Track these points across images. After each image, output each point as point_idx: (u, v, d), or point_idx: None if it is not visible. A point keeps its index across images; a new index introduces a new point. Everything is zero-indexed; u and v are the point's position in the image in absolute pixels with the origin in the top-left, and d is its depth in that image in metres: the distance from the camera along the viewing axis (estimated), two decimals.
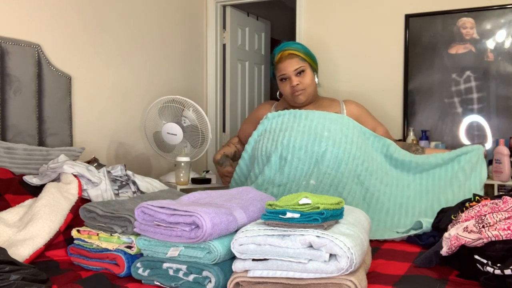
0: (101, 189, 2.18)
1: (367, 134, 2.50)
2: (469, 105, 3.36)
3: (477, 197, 1.82)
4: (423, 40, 3.48)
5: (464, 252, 1.52)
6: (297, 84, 2.49)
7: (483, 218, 1.52)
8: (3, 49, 2.45)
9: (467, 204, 1.79)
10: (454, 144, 3.38)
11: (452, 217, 1.81)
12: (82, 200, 2.05)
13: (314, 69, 2.61)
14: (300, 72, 2.50)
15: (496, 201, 1.59)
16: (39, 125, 2.63)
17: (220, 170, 2.79)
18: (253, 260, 1.34)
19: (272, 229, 1.35)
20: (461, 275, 1.55)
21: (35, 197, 2.00)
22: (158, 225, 1.50)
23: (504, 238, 1.41)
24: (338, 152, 2.29)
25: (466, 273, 1.53)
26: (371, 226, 1.97)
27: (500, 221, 1.48)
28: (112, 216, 1.66)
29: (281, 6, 5.21)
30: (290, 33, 4.81)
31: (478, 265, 1.45)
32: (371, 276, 1.52)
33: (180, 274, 1.46)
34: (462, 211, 1.74)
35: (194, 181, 3.09)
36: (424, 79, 3.48)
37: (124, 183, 2.32)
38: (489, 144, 3.29)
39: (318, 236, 1.29)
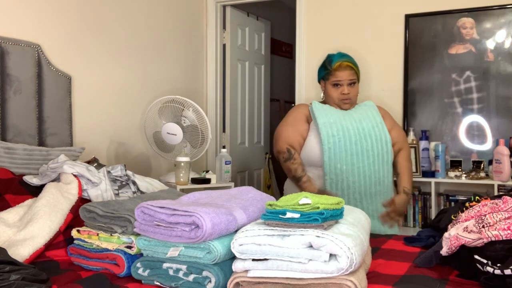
0: (101, 189, 2.18)
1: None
2: (469, 105, 3.36)
3: (477, 197, 1.82)
4: (423, 40, 3.48)
5: (464, 252, 1.52)
6: (348, 93, 2.73)
7: (483, 218, 1.52)
8: (3, 49, 2.45)
9: (467, 204, 1.79)
10: (454, 144, 3.38)
11: (452, 217, 1.81)
12: (82, 200, 2.05)
13: (359, 81, 2.85)
14: (352, 84, 2.74)
15: (496, 201, 1.59)
16: (39, 125, 2.63)
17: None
18: (253, 260, 1.34)
19: (272, 229, 1.35)
20: (461, 275, 1.55)
21: (35, 197, 2.00)
22: (158, 225, 1.50)
23: (504, 238, 1.41)
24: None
25: (466, 273, 1.53)
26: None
27: (500, 221, 1.48)
28: (112, 216, 1.66)
29: (281, 6, 5.21)
30: (290, 33, 4.81)
31: (478, 265, 1.45)
32: (371, 276, 1.52)
33: (180, 274, 1.47)
34: (462, 211, 1.74)
35: (194, 181, 3.09)
36: (424, 79, 3.48)
37: (124, 183, 2.32)
38: (489, 144, 3.29)
39: (318, 236, 1.29)
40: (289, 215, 1.34)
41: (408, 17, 3.51)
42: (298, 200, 1.37)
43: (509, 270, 1.34)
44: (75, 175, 2.15)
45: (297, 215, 1.34)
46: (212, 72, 4.11)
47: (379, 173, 2.64)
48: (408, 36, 3.52)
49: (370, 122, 2.71)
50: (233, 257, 1.42)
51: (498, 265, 1.38)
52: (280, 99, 5.43)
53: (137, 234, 1.59)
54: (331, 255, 1.29)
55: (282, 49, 5.52)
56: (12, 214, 1.89)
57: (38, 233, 1.75)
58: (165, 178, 3.20)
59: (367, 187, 2.62)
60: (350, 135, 2.62)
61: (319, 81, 2.88)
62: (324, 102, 2.86)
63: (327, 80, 2.77)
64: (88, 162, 2.41)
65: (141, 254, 1.58)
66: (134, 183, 2.36)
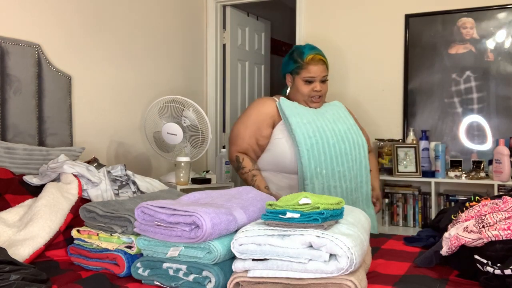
0: (101, 189, 2.18)
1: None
2: (469, 105, 3.36)
3: (477, 197, 1.82)
4: (423, 40, 3.48)
5: (464, 252, 1.52)
6: (320, 90, 2.56)
7: (483, 218, 1.52)
8: (3, 49, 2.45)
9: (467, 204, 1.79)
10: (454, 144, 3.38)
11: (452, 217, 1.81)
12: (82, 200, 2.05)
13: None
14: (324, 81, 2.58)
15: (496, 201, 1.59)
16: (39, 125, 2.63)
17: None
18: (253, 260, 1.34)
19: (272, 229, 1.35)
20: (461, 275, 1.55)
21: (35, 197, 2.00)
22: (158, 225, 1.50)
23: (504, 238, 1.41)
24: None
25: (466, 273, 1.53)
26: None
27: (500, 221, 1.48)
28: (112, 216, 1.66)
29: (281, 6, 5.21)
30: (290, 33, 4.81)
31: (478, 265, 1.45)
32: (371, 276, 1.52)
33: (180, 274, 1.47)
34: (462, 211, 1.74)
35: (194, 181, 3.09)
36: (424, 79, 3.48)
37: (124, 183, 2.32)
38: (489, 144, 3.29)
39: (318, 236, 1.29)
40: (289, 215, 1.34)
41: (408, 17, 3.51)
42: (298, 200, 1.37)
43: (509, 270, 1.34)
44: (75, 175, 2.15)
45: (297, 215, 1.34)
46: (212, 72, 4.11)
47: (358, 179, 2.50)
48: (408, 36, 3.52)
49: (345, 124, 2.55)
50: (233, 257, 1.42)
51: (498, 265, 1.38)
52: None
53: (137, 234, 1.59)
54: (331, 255, 1.29)
55: (282, 49, 5.52)
56: (12, 214, 1.89)
57: (38, 233, 1.75)
58: (165, 178, 3.20)
59: (349, 193, 2.47)
60: (327, 137, 2.44)
61: (284, 75, 2.66)
62: (288, 97, 2.65)
63: (297, 74, 2.55)
64: (88, 162, 2.41)
65: (141, 254, 1.58)
66: (134, 183, 2.36)
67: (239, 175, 2.56)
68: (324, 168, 2.40)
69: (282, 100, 2.53)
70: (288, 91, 2.65)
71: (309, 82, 2.54)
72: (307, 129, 2.41)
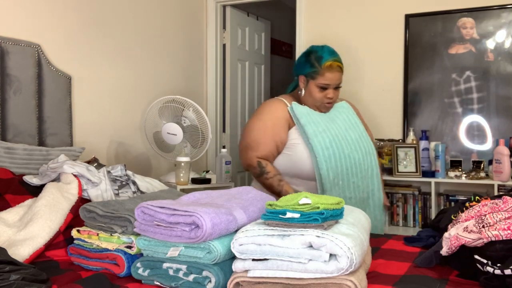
0: (101, 189, 2.18)
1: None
2: (469, 105, 3.36)
3: (477, 197, 1.82)
4: (423, 40, 3.48)
5: (464, 252, 1.52)
6: (332, 97, 2.50)
7: (483, 218, 1.52)
8: (3, 49, 2.45)
9: (467, 204, 1.79)
10: (454, 144, 3.38)
11: (452, 217, 1.81)
12: (82, 200, 2.05)
13: None
14: (337, 87, 2.52)
15: (496, 201, 1.59)
16: (39, 125, 2.63)
17: None
18: (253, 260, 1.34)
19: (272, 229, 1.35)
20: (461, 275, 1.55)
21: (35, 197, 2.00)
22: (158, 225, 1.50)
23: (504, 238, 1.41)
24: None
25: (466, 273, 1.53)
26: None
27: (500, 221, 1.48)
28: (112, 216, 1.66)
29: (281, 6, 5.21)
30: (290, 33, 4.81)
31: (478, 265, 1.45)
32: (371, 276, 1.52)
33: (180, 274, 1.47)
34: (462, 211, 1.74)
35: (194, 181, 3.09)
36: (424, 79, 3.48)
37: (124, 183, 2.32)
38: (489, 144, 3.29)
39: (318, 236, 1.29)
40: (289, 215, 1.34)
41: (408, 17, 3.51)
42: (298, 200, 1.37)
43: (509, 270, 1.34)
44: (75, 175, 2.15)
45: (297, 215, 1.34)
46: (212, 72, 4.11)
47: (369, 187, 2.49)
48: (408, 36, 3.52)
49: (356, 131, 2.53)
50: (233, 257, 1.42)
51: (498, 265, 1.38)
52: None
53: (137, 234, 1.59)
54: (331, 255, 1.29)
55: (282, 49, 5.52)
56: (12, 214, 1.89)
57: (38, 233, 1.75)
58: (165, 178, 3.20)
59: (362, 202, 2.47)
60: (342, 147, 2.43)
61: (297, 75, 2.55)
62: (297, 97, 2.58)
63: (311, 79, 2.46)
64: (88, 162, 2.41)
65: (141, 254, 1.58)
66: (134, 183, 2.36)
67: (260, 180, 2.46)
68: (340, 180, 2.40)
69: (295, 105, 2.48)
70: (301, 92, 2.55)
71: (323, 88, 2.47)
72: (323, 138, 2.40)
